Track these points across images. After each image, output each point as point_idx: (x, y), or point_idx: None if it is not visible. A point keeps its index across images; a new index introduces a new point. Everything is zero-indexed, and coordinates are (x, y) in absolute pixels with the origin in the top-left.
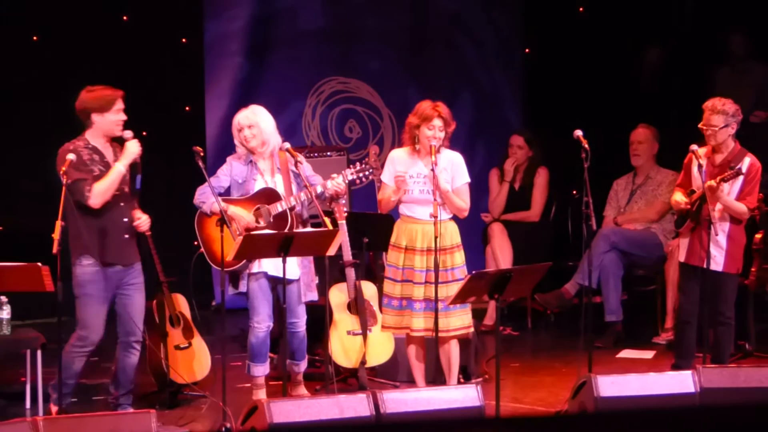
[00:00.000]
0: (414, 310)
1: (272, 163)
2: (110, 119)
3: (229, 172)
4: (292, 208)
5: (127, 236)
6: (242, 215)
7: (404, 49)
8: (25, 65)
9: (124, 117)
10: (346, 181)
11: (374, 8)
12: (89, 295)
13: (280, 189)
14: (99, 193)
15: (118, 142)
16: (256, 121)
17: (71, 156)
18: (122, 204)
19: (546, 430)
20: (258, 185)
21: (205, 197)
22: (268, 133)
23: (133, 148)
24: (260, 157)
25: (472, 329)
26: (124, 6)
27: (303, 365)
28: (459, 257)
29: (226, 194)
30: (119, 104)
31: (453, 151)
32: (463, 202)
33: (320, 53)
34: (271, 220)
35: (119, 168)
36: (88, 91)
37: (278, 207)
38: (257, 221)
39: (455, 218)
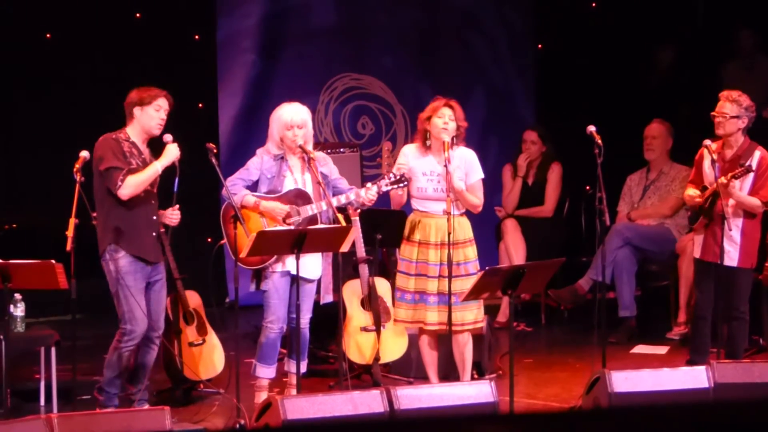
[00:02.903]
0: (428, 304)
1: (303, 160)
2: (149, 113)
3: (260, 165)
4: (322, 212)
5: (155, 234)
6: (276, 208)
7: (416, 46)
8: (39, 63)
9: (163, 116)
10: (381, 193)
11: (386, 4)
12: (128, 287)
13: (309, 189)
14: (131, 185)
15: (153, 150)
16: (306, 121)
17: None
18: (153, 202)
19: (560, 426)
20: (287, 182)
21: (236, 189)
22: (311, 133)
23: (174, 151)
24: (292, 154)
25: (483, 324)
26: (136, 3)
27: (301, 366)
28: (471, 252)
29: (253, 188)
30: (160, 101)
31: (466, 148)
32: (477, 199)
33: (333, 50)
34: (300, 221)
35: (157, 167)
36: (137, 90)
37: (308, 210)
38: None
39: (467, 213)
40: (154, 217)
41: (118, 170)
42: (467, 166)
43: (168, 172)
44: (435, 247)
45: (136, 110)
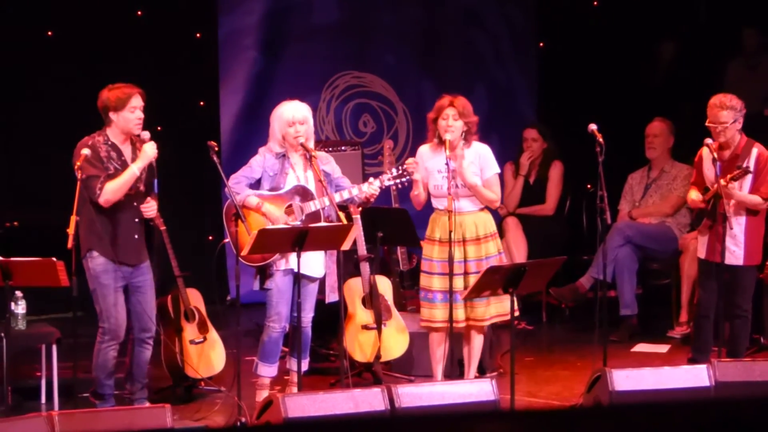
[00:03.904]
0: (456, 301)
1: (305, 158)
2: (126, 117)
3: (262, 163)
4: (324, 208)
5: (137, 236)
6: (277, 216)
7: (418, 44)
8: (40, 61)
9: (140, 115)
10: (383, 187)
11: (388, 2)
12: (104, 285)
13: (312, 186)
14: (109, 191)
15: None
16: (307, 118)
17: (86, 151)
18: (135, 204)
19: (561, 424)
20: (290, 179)
21: (239, 187)
22: (312, 130)
23: (149, 152)
24: (294, 151)
25: (507, 316)
26: (138, 1)
27: (303, 364)
28: (493, 246)
29: (256, 185)
30: (135, 102)
31: (480, 143)
32: (494, 194)
33: (334, 48)
34: (303, 218)
35: (133, 170)
36: (108, 89)
37: (311, 206)
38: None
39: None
40: (137, 220)
41: (96, 178)
42: (482, 162)
43: (160, 167)
44: (456, 244)
45: (112, 115)
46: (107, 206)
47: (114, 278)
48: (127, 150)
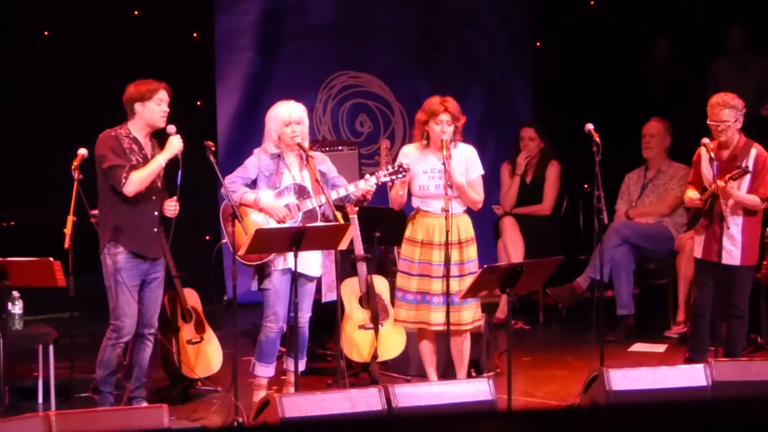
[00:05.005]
0: (432, 305)
1: (300, 158)
2: (152, 108)
3: (258, 164)
4: (321, 206)
5: (155, 230)
6: (276, 207)
7: (415, 44)
8: (37, 60)
9: (166, 109)
10: (379, 183)
11: (385, 2)
12: (121, 283)
13: (308, 185)
14: (135, 181)
15: (157, 140)
16: (303, 118)
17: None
18: (154, 198)
19: (557, 424)
20: (285, 179)
21: (235, 187)
22: (307, 130)
23: (176, 144)
24: (289, 151)
25: (482, 322)
26: (135, 1)
27: (300, 364)
28: (472, 251)
29: (252, 186)
30: (161, 94)
31: (466, 144)
32: (478, 195)
33: (331, 48)
34: (301, 216)
35: (159, 161)
36: (135, 84)
37: (308, 204)
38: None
39: (468, 211)
40: (156, 213)
41: (121, 168)
42: (468, 162)
43: (171, 164)
44: (439, 247)
45: (138, 106)
46: (131, 196)
47: (132, 275)
48: (147, 146)
